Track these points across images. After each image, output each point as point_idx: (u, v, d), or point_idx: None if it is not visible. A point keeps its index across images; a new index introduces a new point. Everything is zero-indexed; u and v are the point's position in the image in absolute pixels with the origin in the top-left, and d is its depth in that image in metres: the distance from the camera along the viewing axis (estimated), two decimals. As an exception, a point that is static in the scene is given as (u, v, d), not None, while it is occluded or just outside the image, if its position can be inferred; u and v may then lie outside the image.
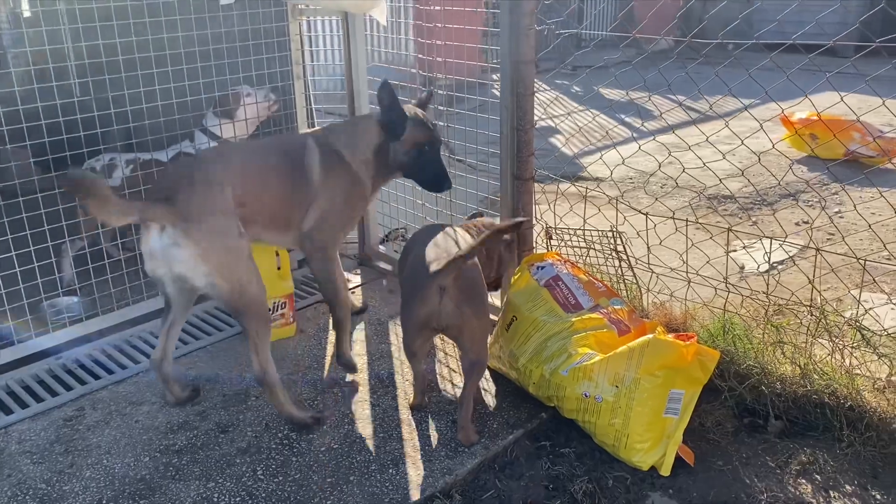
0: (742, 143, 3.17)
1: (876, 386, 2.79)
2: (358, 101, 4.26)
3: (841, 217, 5.70)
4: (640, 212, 3.24)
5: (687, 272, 3.15)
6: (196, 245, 2.69)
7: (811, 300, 2.85)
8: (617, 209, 3.29)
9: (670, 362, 2.83)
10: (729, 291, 3.07)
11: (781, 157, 7.03)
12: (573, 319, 3.11)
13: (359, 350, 3.62)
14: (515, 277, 3.35)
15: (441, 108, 4.00)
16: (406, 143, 3.20)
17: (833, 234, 5.22)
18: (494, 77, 3.47)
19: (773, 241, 3.03)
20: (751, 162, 3.03)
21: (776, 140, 4.39)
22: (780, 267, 4.48)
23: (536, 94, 3.24)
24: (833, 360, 2.84)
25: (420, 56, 4.31)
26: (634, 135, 7.50)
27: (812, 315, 2.83)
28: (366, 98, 4.25)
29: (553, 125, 8.85)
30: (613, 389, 2.85)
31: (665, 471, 2.79)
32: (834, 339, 2.79)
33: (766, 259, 3.58)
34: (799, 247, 4.32)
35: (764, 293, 2.96)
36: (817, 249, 2.78)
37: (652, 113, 8.75)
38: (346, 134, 3.25)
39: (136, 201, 2.94)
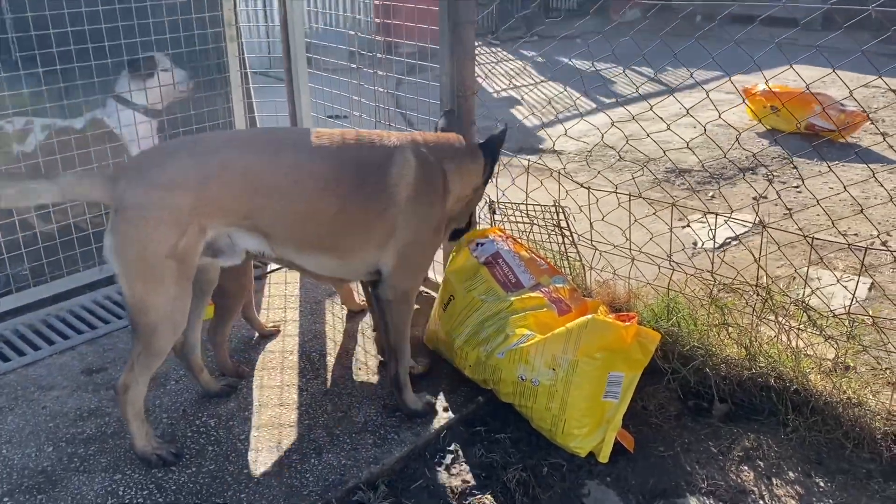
0: (690, 114, 3.00)
1: (822, 369, 2.68)
2: (295, 66, 4.01)
3: (800, 191, 5.60)
4: (581, 185, 3.08)
5: (630, 249, 3.00)
6: (114, 239, 2.28)
7: (757, 279, 2.71)
8: (559, 183, 3.11)
9: (609, 344, 2.69)
10: (673, 270, 2.93)
11: (745, 130, 6.92)
12: (512, 299, 2.94)
13: (290, 330, 3.43)
14: (454, 255, 3.18)
15: (403, 77, 3.76)
16: (485, 188, 2.92)
17: (791, 209, 5.12)
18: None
19: (720, 216, 2.88)
20: (712, 135, 2.87)
21: (737, 112, 4.27)
22: (733, 243, 4.36)
23: (500, 64, 3.04)
24: (779, 341, 2.72)
25: (379, 21, 4.05)
26: (597, 107, 7.34)
27: (758, 295, 2.70)
28: (303, 62, 4.01)
29: (517, 97, 8.65)
30: (550, 372, 2.70)
31: (603, 457, 2.65)
32: (780, 320, 2.67)
33: (711, 236, 3.44)
34: (749, 224, 4.20)
35: (709, 272, 2.82)
36: (764, 226, 2.63)
37: (616, 86, 8.60)
38: (460, 156, 2.74)
39: (61, 176, 2.28)
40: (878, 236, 3.79)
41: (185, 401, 2.92)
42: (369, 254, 2.60)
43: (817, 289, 2.61)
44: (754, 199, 5.44)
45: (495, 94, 8.79)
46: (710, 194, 5.54)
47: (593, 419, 2.69)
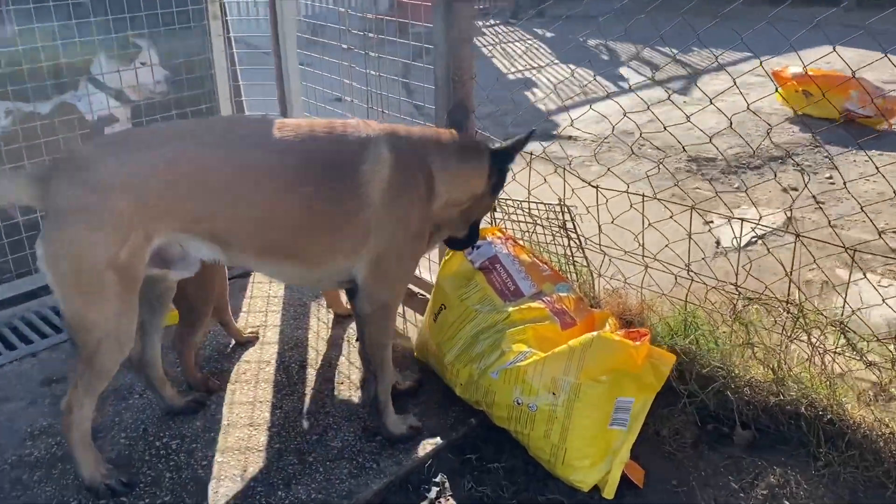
0: (713, 103, 2.64)
1: (861, 398, 2.34)
2: (283, 46, 3.70)
3: (832, 183, 5.20)
4: (588, 183, 2.73)
5: (643, 256, 2.66)
6: (47, 248, 2.01)
7: (788, 294, 2.37)
8: (564, 179, 2.78)
9: (617, 365, 2.37)
10: (692, 280, 2.59)
11: (773, 115, 6.51)
12: (510, 310, 2.63)
13: (270, 337, 3.14)
14: (447, 258, 2.87)
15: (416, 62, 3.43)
16: (494, 199, 2.59)
17: (823, 204, 4.74)
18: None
19: (745, 222, 2.54)
20: (738, 121, 2.53)
21: (767, 97, 3.90)
22: (759, 243, 3.99)
23: (511, 45, 2.69)
24: (812, 365, 2.39)
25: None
26: (608, 94, 6.95)
27: (788, 312, 2.36)
28: (292, 42, 3.69)
29: (530, 77, 8.26)
30: (549, 396, 2.39)
31: (609, 492, 2.34)
32: (813, 341, 2.33)
33: (736, 243, 3.09)
34: (777, 225, 3.85)
35: (732, 284, 2.48)
36: (797, 235, 2.29)
37: (637, 68, 8.17)
38: (453, 155, 2.38)
39: None
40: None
41: (147, 418, 2.65)
42: (339, 262, 2.30)
43: (859, 309, 2.26)
44: (783, 190, 5.05)
45: (510, 76, 8.40)
46: (736, 185, 5.16)
47: (598, 449, 2.38)
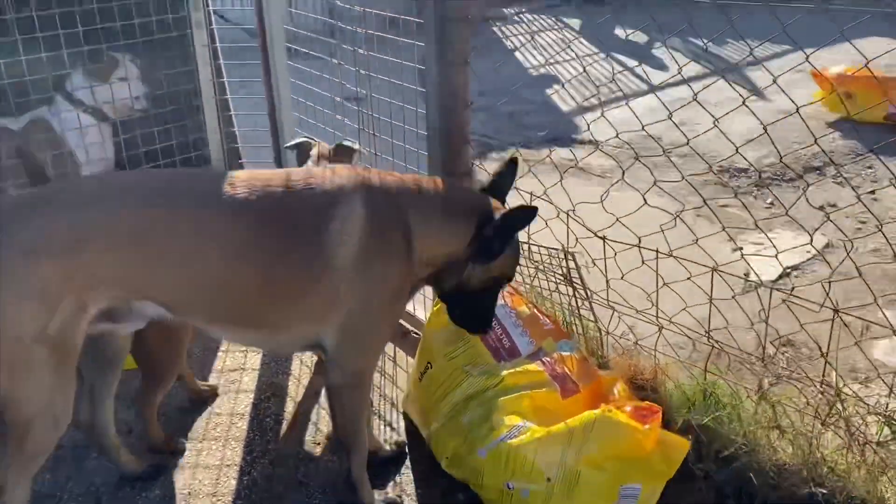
0: (746, 104, 2.27)
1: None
2: (270, 41, 3.40)
3: (875, 199, 4.78)
4: (595, 234, 2.40)
5: (657, 315, 2.33)
6: None
7: (824, 373, 2.03)
8: (568, 226, 2.45)
9: (623, 452, 2.07)
10: (713, 347, 2.26)
11: (812, 120, 6.06)
12: (504, 374, 2.33)
13: (246, 384, 2.87)
14: (435, 309, 2.56)
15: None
16: (491, 270, 2.12)
17: (864, 224, 4.34)
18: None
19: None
20: (772, 127, 2.18)
21: (806, 99, 3.53)
22: (794, 274, 3.62)
23: (537, 35, 2.35)
24: (850, 453, 2.05)
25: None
26: (624, 97, 6.56)
27: (822, 394, 2.03)
28: (280, 37, 3.38)
29: (555, 74, 7.85)
30: (544, 483, 2.10)
31: (611, 590, 2.05)
32: (852, 430, 1.99)
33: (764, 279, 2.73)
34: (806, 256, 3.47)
35: (759, 359, 2.15)
36: (836, 311, 1.94)
37: (663, 60, 7.72)
38: (433, 209, 2.05)
39: None
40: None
41: (101, 484, 2.40)
42: (304, 329, 2.01)
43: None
44: (821, 208, 4.65)
45: (533, 72, 8.01)
46: (769, 200, 4.77)
47: (599, 541, 2.08)
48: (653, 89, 5.46)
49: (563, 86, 7.11)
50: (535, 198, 2.45)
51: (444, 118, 2.57)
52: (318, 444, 2.58)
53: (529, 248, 2.61)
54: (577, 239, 2.43)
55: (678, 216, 2.34)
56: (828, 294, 1.91)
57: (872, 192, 4.85)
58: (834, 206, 4.61)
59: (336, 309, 1.96)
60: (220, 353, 3.04)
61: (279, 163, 3.61)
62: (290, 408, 2.74)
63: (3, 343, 1.73)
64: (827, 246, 3.96)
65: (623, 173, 2.56)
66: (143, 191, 1.89)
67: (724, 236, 2.63)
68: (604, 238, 2.37)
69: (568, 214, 2.44)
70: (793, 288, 2.75)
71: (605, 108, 3.08)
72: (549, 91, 7.20)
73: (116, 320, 1.95)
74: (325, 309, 1.97)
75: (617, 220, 2.31)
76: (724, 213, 4.43)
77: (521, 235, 2.59)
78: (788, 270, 3.52)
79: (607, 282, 2.40)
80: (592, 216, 2.53)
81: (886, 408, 1.96)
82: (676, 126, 2.61)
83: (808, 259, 3.73)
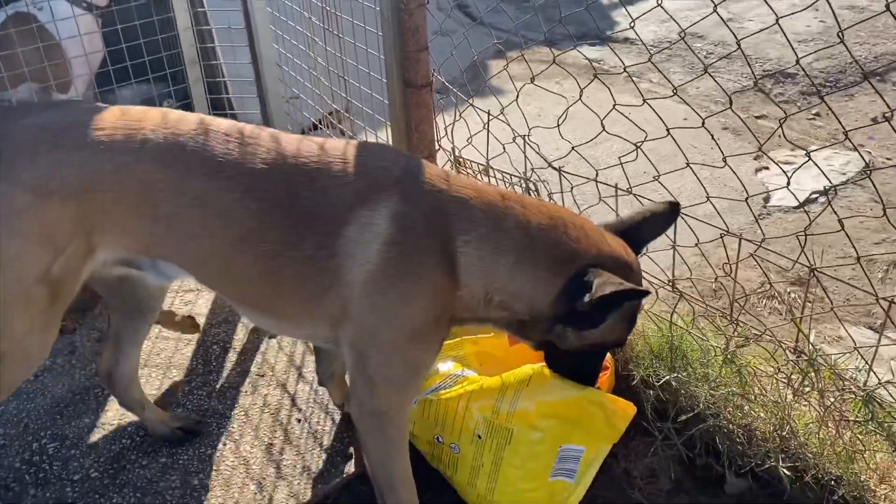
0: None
1: (885, 479, 1.73)
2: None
3: (940, 111, 4.21)
4: (550, 165, 2.06)
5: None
6: None
7: (797, 341, 1.73)
8: (525, 153, 2.11)
9: (560, 411, 1.84)
10: (681, 295, 1.96)
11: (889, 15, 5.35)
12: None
13: (201, 307, 2.72)
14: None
15: None
16: (590, 337, 1.69)
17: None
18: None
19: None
20: (832, 22, 1.72)
21: None
22: (821, 201, 3.21)
23: None
24: (824, 428, 1.77)
25: None
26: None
27: (797, 366, 1.73)
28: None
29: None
30: (474, 439, 1.90)
31: (546, 558, 1.88)
32: (827, 404, 1.71)
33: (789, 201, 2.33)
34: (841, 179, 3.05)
35: (726, 317, 1.84)
36: (812, 269, 1.61)
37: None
38: (499, 241, 1.60)
39: None
40: None
41: (33, 409, 2.32)
42: (323, 330, 1.73)
43: (887, 382, 1.60)
44: (873, 120, 4.13)
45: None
46: (815, 111, 4.26)
47: (535, 504, 1.90)
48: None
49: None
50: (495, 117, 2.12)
51: (398, 18, 2.23)
52: (262, 375, 2.44)
53: (489, 168, 2.30)
54: (549, 163, 2.08)
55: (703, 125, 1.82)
56: (803, 249, 1.58)
57: (938, 102, 4.26)
58: (888, 118, 4.08)
59: (345, 327, 1.65)
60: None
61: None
62: (240, 334, 2.60)
63: (6, 281, 1.59)
64: (868, 166, 3.51)
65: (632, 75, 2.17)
66: (159, 145, 1.63)
67: (751, 154, 2.29)
68: (559, 169, 2.05)
69: (525, 139, 2.11)
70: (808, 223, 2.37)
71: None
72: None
73: (139, 268, 1.79)
74: (336, 321, 1.66)
75: (573, 148, 1.97)
76: (758, 125, 3.98)
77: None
78: (815, 196, 3.11)
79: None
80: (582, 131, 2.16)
81: (865, 384, 1.66)
82: (724, 22, 2.14)
83: (843, 182, 3.30)
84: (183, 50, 3.31)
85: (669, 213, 1.75)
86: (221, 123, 1.67)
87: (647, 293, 1.62)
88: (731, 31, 1.76)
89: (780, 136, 2.75)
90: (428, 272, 1.58)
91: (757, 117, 4.13)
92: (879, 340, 1.56)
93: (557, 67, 2.19)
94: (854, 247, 1.66)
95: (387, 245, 1.55)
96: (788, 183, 1.83)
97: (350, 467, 2.13)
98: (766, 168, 3.32)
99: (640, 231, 1.75)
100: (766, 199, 3.15)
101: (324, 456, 2.16)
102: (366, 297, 1.58)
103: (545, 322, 1.67)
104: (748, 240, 1.75)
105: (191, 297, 2.77)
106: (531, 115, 2.14)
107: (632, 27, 1.78)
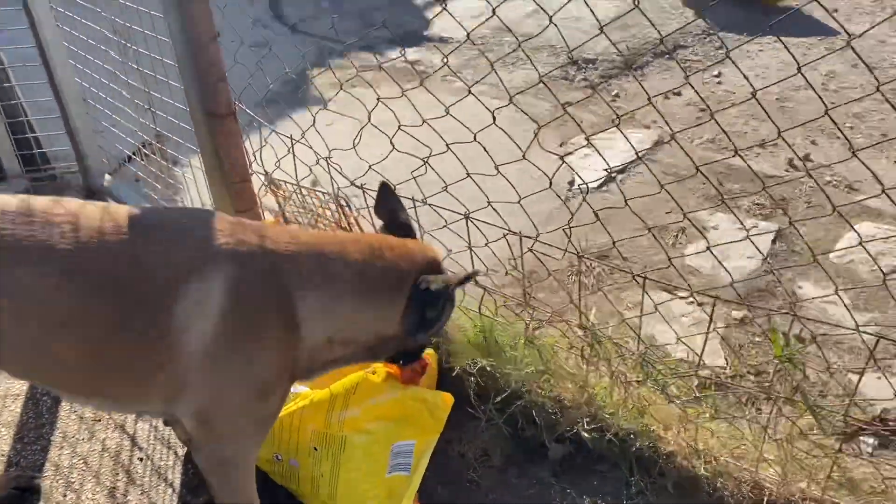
0: None
1: (668, 427, 2.01)
2: None
3: (719, 82, 4.72)
4: (352, 183, 2.19)
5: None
6: None
7: (580, 313, 1.96)
8: (329, 170, 2.23)
9: (386, 413, 1.98)
10: (485, 290, 2.15)
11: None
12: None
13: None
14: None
15: None
16: (439, 327, 1.83)
17: (704, 112, 4.28)
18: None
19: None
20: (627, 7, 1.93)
21: None
22: (620, 178, 3.54)
23: None
24: (615, 391, 2.03)
25: None
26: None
27: (583, 338, 1.96)
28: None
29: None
30: (311, 452, 2.00)
31: (394, 545, 2.02)
32: (613, 369, 1.95)
33: (588, 187, 2.58)
34: (647, 146, 3.37)
35: (521, 303, 2.06)
36: (579, 256, 1.84)
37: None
38: (338, 288, 1.64)
39: None
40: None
41: None
42: (156, 405, 1.69)
43: (652, 346, 1.85)
44: (665, 97, 4.55)
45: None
46: (615, 92, 4.64)
47: (377, 502, 2.03)
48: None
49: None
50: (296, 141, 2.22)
51: (192, 52, 2.26)
52: (99, 420, 2.42)
53: (299, 187, 2.39)
54: (350, 182, 2.20)
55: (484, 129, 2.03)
56: (570, 239, 1.79)
57: (717, 74, 4.77)
58: (678, 94, 4.52)
59: (183, 397, 1.61)
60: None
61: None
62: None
63: None
64: (657, 143, 3.89)
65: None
66: None
67: (557, 140, 2.46)
68: (361, 186, 2.18)
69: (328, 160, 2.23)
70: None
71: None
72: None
73: None
74: (172, 393, 1.62)
75: (370, 167, 2.11)
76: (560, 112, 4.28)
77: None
78: (613, 174, 3.43)
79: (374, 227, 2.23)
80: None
81: (638, 346, 1.91)
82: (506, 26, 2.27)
83: (634, 160, 3.62)
84: (-26, 91, 3.17)
85: (385, 191, 1.85)
86: (10, 202, 1.54)
87: (478, 272, 1.72)
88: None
89: (581, 122, 2.99)
90: (270, 331, 1.59)
91: (565, 103, 4.44)
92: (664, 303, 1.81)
93: (379, 72, 2.30)
94: (642, 220, 1.90)
95: (224, 313, 1.53)
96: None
97: (198, 498, 2.17)
98: (570, 153, 3.60)
99: (400, 220, 1.85)
100: (571, 183, 3.44)
101: (169, 490, 2.19)
102: (209, 365, 1.55)
103: (394, 340, 1.73)
104: (528, 236, 1.95)
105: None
106: (356, 125, 2.21)
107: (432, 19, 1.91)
